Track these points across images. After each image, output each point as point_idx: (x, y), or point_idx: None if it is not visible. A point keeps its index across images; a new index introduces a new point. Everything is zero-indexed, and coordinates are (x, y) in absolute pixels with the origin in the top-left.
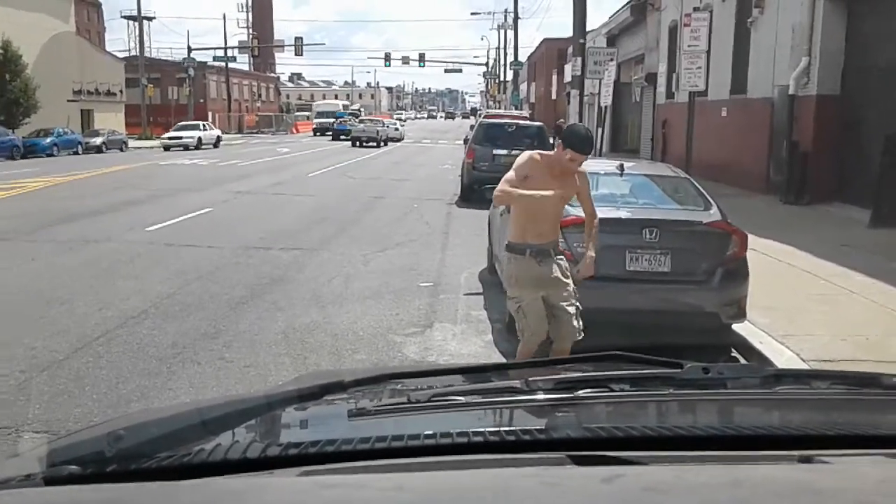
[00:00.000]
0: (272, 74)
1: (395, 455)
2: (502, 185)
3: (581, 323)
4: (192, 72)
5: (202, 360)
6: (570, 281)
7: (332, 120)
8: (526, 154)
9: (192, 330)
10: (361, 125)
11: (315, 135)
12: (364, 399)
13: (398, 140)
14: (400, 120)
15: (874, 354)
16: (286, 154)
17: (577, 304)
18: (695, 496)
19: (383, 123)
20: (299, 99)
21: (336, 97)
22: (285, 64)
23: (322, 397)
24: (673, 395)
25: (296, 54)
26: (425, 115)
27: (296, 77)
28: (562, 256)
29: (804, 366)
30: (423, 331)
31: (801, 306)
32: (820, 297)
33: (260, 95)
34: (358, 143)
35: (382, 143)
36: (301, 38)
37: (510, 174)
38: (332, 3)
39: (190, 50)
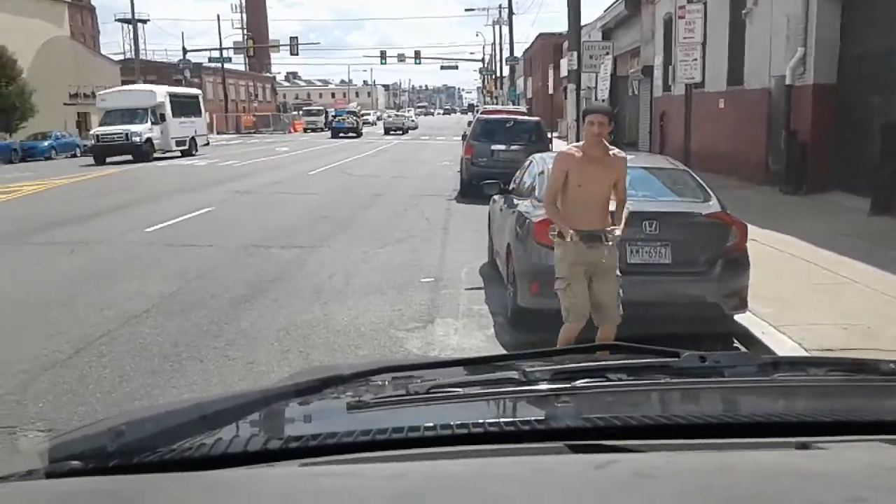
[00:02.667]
0: (268, 74)
1: (396, 446)
2: (546, 203)
3: (622, 308)
4: (187, 73)
5: (205, 357)
6: (615, 267)
7: (318, 118)
8: (559, 152)
9: (194, 328)
10: (390, 119)
11: (306, 132)
12: (364, 392)
13: (415, 128)
14: (413, 114)
15: (874, 343)
16: (285, 153)
17: (621, 290)
18: (686, 479)
19: (406, 116)
20: (296, 98)
21: (333, 95)
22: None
23: (322, 391)
24: (670, 383)
25: (291, 54)
26: (421, 112)
27: (292, 76)
28: (611, 243)
29: (806, 355)
30: (424, 326)
31: (803, 296)
32: (821, 287)
33: (256, 95)
34: (386, 132)
35: (406, 132)
36: (296, 38)
37: (551, 180)
38: (325, 2)
39: (185, 52)
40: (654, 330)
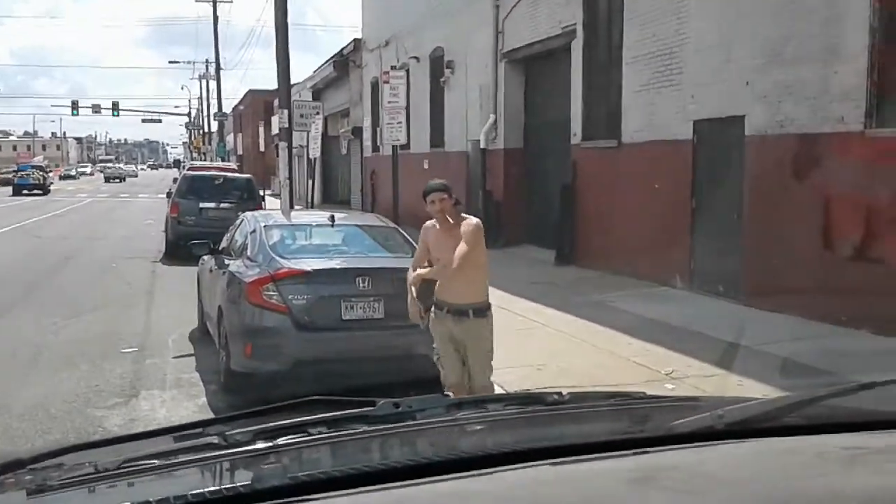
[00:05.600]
0: None
1: None
2: (411, 272)
3: (490, 374)
4: None
5: None
6: (485, 340)
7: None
8: (425, 225)
9: None
10: (110, 168)
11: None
12: (49, 476)
13: (135, 177)
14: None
15: (565, 379)
16: None
17: (489, 359)
18: None
19: (124, 168)
20: None
21: (14, 148)
22: None
23: None
24: (366, 432)
25: None
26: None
27: None
28: (484, 317)
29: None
30: (127, 401)
31: (503, 340)
32: (518, 332)
33: None
34: (107, 180)
35: (124, 179)
36: None
37: (417, 252)
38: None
39: None
40: (371, 383)
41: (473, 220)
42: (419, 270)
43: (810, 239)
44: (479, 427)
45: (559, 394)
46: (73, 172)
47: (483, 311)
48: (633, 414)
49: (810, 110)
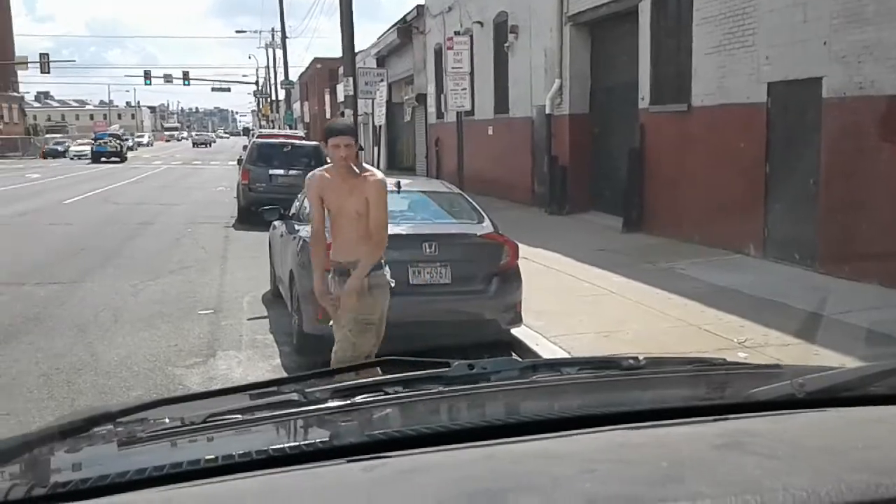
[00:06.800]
0: (15, 94)
1: (174, 481)
2: (312, 233)
3: (352, 350)
4: None
5: None
6: (358, 305)
7: (60, 147)
8: (311, 175)
9: None
10: (197, 135)
11: (45, 158)
12: (137, 428)
13: (214, 142)
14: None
15: (632, 346)
16: (37, 180)
17: (350, 330)
18: (448, 472)
19: (209, 134)
20: (48, 120)
21: (91, 117)
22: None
23: (89, 431)
24: (442, 392)
25: (42, 72)
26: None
27: (43, 96)
28: (368, 276)
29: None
30: (205, 360)
31: (570, 308)
32: (585, 299)
33: (1, 117)
34: (194, 145)
35: (209, 144)
36: (47, 55)
37: (314, 212)
38: (80, 17)
39: None
40: (439, 344)
41: (378, 174)
42: (359, 276)
43: (891, 205)
44: (554, 390)
45: (635, 358)
46: (144, 140)
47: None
48: (711, 380)
49: (891, 71)
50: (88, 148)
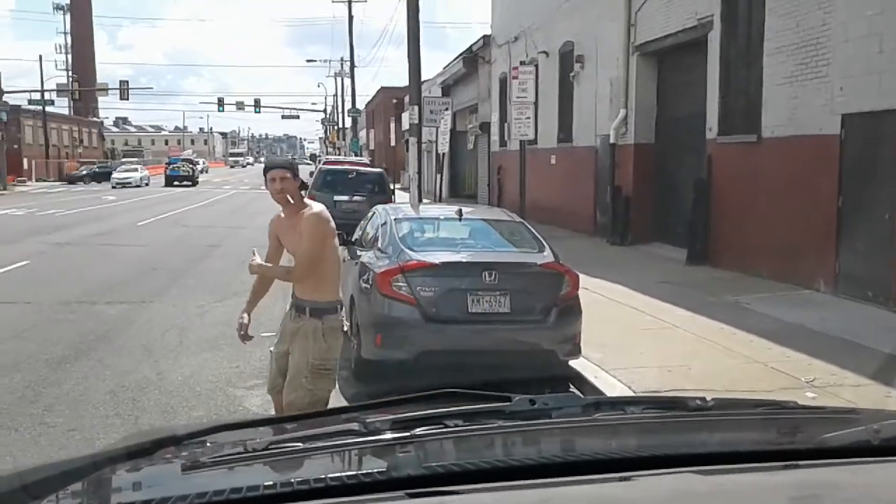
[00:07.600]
0: (95, 119)
1: None
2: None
3: (309, 397)
4: (4, 116)
5: (20, 426)
6: (312, 349)
7: (128, 175)
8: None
9: (6, 394)
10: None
11: (115, 188)
12: (199, 452)
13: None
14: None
15: (696, 383)
16: (112, 202)
17: (306, 377)
18: None
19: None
20: (125, 145)
21: (166, 142)
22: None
23: (154, 453)
24: (503, 427)
25: (121, 98)
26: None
27: (121, 121)
28: (321, 320)
29: (625, 395)
30: (265, 383)
31: (630, 341)
32: (646, 332)
33: (81, 141)
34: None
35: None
36: (126, 82)
37: (269, 248)
38: (158, 46)
39: (1, 93)
40: (496, 376)
41: (316, 206)
42: (258, 262)
43: None
44: (617, 429)
45: (702, 399)
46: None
47: (321, 312)
48: (782, 424)
49: None
50: (134, 175)
